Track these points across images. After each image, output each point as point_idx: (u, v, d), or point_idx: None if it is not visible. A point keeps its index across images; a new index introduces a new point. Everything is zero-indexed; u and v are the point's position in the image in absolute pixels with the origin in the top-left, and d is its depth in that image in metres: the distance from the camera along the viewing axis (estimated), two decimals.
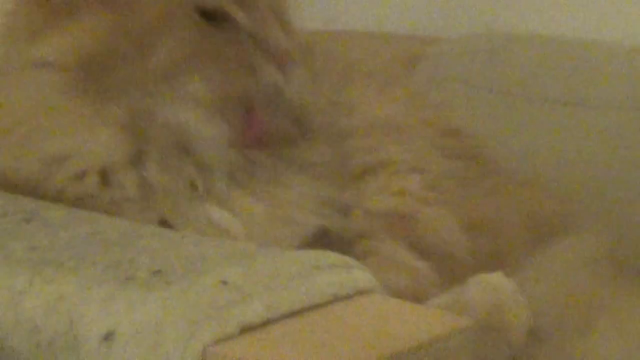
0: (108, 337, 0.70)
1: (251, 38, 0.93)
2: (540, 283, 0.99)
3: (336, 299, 0.72)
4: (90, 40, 0.89)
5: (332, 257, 0.75)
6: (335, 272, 0.73)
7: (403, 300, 0.75)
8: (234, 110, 0.92)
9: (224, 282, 0.70)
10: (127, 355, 0.68)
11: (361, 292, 0.73)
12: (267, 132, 0.94)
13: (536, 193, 1.10)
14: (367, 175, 1.01)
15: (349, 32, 1.12)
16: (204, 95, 0.91)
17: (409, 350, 0.66)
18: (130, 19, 0.90)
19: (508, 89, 1.28)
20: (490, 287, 0.89)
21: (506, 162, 1.13)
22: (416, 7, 1.49)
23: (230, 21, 0.92)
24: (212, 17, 0.92)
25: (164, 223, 0.89)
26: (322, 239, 0.94)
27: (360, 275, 0.74)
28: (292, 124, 0.96)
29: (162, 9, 0.90)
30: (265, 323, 0.68)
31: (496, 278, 0.89)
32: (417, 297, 0.92)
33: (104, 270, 0.74)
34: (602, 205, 1.13)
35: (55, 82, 0.89)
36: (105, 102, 0.90)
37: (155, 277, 0.72)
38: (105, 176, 0.91)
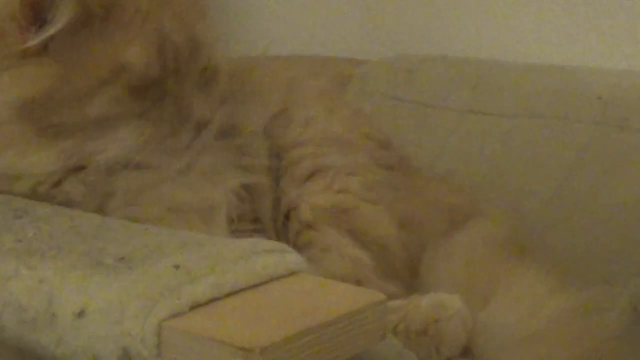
0: (80, 314, 0.69)
1: (176, 102, 0.92)
2: (449, 261, 0.99)
3: (272, 279, 0.71)
4: (35, 89, 0.87)
5: (269, 243, 0.75)
6: (271, 257, 0.73)
7: (326, 279, 0.75)
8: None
9: (176, 267, 0.70)
10: (96, 330, 0.68)
11: (293, 273, 0.73)
12: None
13: (448, 188, 1.10)
14: (314, 177, 1.00)
15: (290, 56, 1.11)
16: (131, 142, 0.90)
17: (330, 321, 0.66)
18: (74, 73, 0.87)
19: (423, 100, 1.29)
20: (440, 303, 0.90)
21: (423, 161, 1.13)
22: (346, 34, 1.49)
23: (162, 87, 0.91)
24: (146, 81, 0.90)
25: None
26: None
27: (292, 259, 0.73)
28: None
29: (103, 68, 0.88)
30: (212, 301, 0.68)
31: (449, 299, 0.91)
32: (359, 283, 0.92)
33: (78, 258, 0.74)
34: (500, 196, 1.13)
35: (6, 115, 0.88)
36: (44, 134, 0.88)
37: (120, 263, 0.72)
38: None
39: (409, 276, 0.98)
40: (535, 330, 0.92)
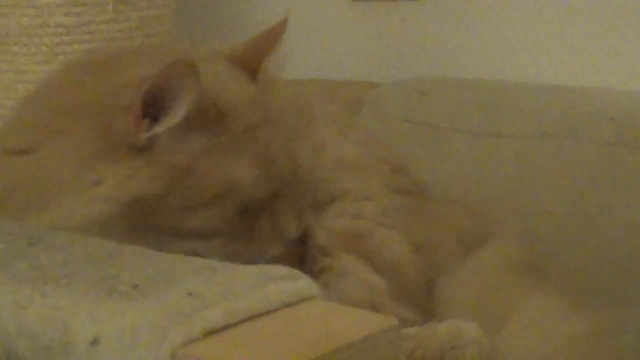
0: (94, 342, 0.69)
1: (272, 218, 0.93)
2: (463, 286, 0.98)
3: (284, 305, 0.71)
4: (148, 189, 0.87)
5: (282, 270, 0.74)
6: (284, 283, 0.73)
7: (338, 305, 0.74)
8: None
9: (190, 293, 0.70)
10: (110, 358, 0.68)
11: (305, 299, 0.73)
12: None
13: (462, 211, 1.09)
14: (330, 202, 1.00)
15: (305, 79, 1.11)
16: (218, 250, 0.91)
17: (342, 347, 0.66)
18: (187, 182, 0.88)
19: (436, 123, 1.29)
20: (457, 331, 0.89)
21: (436, 184, 1.13)
22: (359, 57, 1.49)
23: (259, 205, 0.93)
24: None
25: None
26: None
27: (304, 285, 0.73)
28: None
29: (215, 188, 0.89)
30: (225, 327, 0.68)
31: (465, 326, 0.90)
32: (374, 307, 0.91)
33: (92, 285, 0.74)
34: (513, 217, 1.13)
35: (103, 211, 0.88)
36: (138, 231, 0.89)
37: (134, 290, 0.72)
38: None
39: (424, 300, 0.97)
40: (549, 355, 0.91)
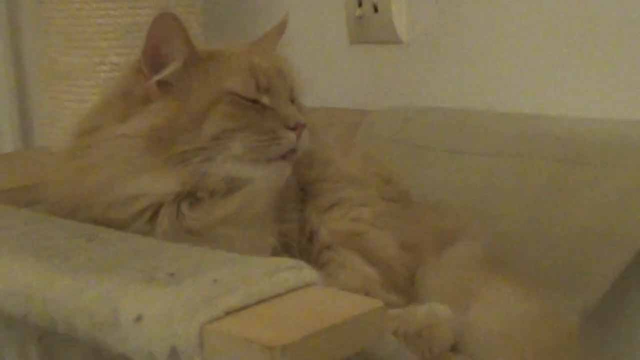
0: (138, 319, 0.70)
1: (273, 113, 0.94)
2: (439, 276, 0.99)
3: (291, 290, 0.72)
4: (158, 119, 0.90)
5: (289, 261, 0.75)
6: (291, 272, 0.73)
7: (335, 290, 0.75)
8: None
9: (215, 280, 0.70)
10: (151, 332, 0.68)
11: (308, 285, 0.73)
12: None
13: (438, 215, 1.10)
14: (333, 207, 1.00)
15: (310, 107, 1.12)
16: (242, 154, 0.91)
17: (337, 323, 0.67)
18: (188, 103, 0.91)
19: (417, 143, 1.30)
20: (432, 311, 0.90)
21: (417, 193, 1.14)
22: (354, 89, 1.50)
23: (260, 103, 0.93)
24: (247, 100, 0.93)
25: None
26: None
27: (307, 273, 0.74)
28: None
29: (211, 95, 0.91)
30: (243, 308, 0.69)
31: (439, 308, 0.91)
32: (367, 294, 0.92)
33: (137, 273, 0.74)
34: (480, 220, 1.14)
35: (133, 146, 0.90)
36: (168, 161, 0.90)
37: (170, 278, 0.72)
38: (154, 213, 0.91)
39: (407, 287, 0.98)
40: (508, 329, 0.92)
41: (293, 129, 0.93)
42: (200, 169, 0.90)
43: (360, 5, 1.46)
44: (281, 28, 1.04)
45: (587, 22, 1.25)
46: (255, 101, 0.93)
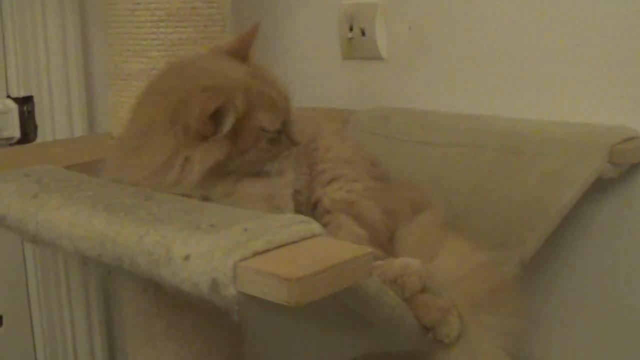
0: (186, 257, 0.71)
1: (287, 137, 0.95)
2: (410, 235, 1.00)
3: (302, 239, 0.73)
4: (220, 156, 0.89)
5: (302, 217, 0.76)
6: (303, 225, 0.74)
7: (335, 240, 0.76)
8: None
9: (245, 230, 0.71)
10: (196, 267, 0.70)
11: (315, 235, 0.74)
12: None
13: (410, 189, 1.10)
14: (332, 181, 1.01)
15: (309, 107, 1.12)
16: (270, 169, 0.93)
17: (337, 263, 0.68)
18: (237, 142, 0.89)
19: (392, 135, 1.30)
20: (405, 264, 0.90)
21: (392, 173, 1.13)
22: (345, 95, 1.50)
23: (279, 130, 0.94)
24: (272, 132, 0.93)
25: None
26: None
27: (315, 227, 0.75)
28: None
29: (252, 135, 0.90)
30: (266, 251, 0.70)
31: (412, 261, 0.91)
32: None
33: (184, 224, 0.75)
34: (439, 194, 1.14)
35: (199, 171, 0.89)
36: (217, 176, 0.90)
37: (211, 228, 0.73)
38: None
39: (388, 244, 0.99)
40: (462, 275, 0.93)
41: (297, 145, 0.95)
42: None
43: (351, 29, 1.47)
44: (253, 36, 0.99)
45: (531, 45, 1.25)
46: (277, 131, 0.93)
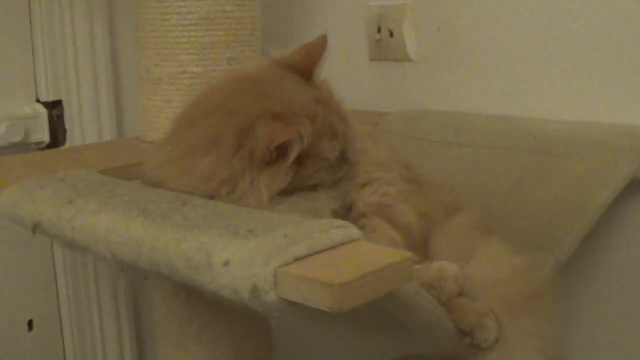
0: (226, 263, 0.70)
1: (347, 163, 0.96)
2: (445, 238, 0.99)
3: (342, 244, 0.72)
4: (283, 183, 0.89)
5: (340, 222, 0.75)
6: (341, 229, 0.74)
7: (374, 244, 0.75)
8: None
9: (285, 235, 0.71)
10: (236, 273, 0.69)
11: (354, 240, 0.73)
12: None
13: (443, 192, 1.08)
14: (367, 185, 0.99)
15: None
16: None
17: (378, 268, 0.67)
18: (300, 170, 0.90)
19: (423, 137, 1.29)
20: (442, 267, 0.89)
21: (427, 175, 1.12)
22: (376, 96, 1.50)
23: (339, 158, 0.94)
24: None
25: None
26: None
27: (354, 231, 0.74)
28: None
29: (316, 165, 0.91)
30: (307, 256, 0.69)
31: (448, 265, 0.90)
32: None
33: (223, 229, 0.75)
34: (472, 196, 1.13)
35: (264, 194, 0.89)
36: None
37: (250, 233, 0.73)
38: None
39: (422, 248, 0.97)
40: (499, 278, 0.92)
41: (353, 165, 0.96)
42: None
43: (379, 31, 1.46)
44: (321, 51, 0.97)
45: (561, 46, 1.24)
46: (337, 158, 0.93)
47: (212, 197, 0.89)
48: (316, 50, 0.97)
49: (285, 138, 0.85)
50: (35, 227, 0.92)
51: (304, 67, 0.96)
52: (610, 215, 1.11)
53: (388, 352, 1.28)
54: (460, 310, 0.87)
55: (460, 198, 1.08)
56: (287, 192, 0.90)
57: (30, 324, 1.64)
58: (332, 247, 0.71)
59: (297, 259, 0.68)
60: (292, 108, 0.89)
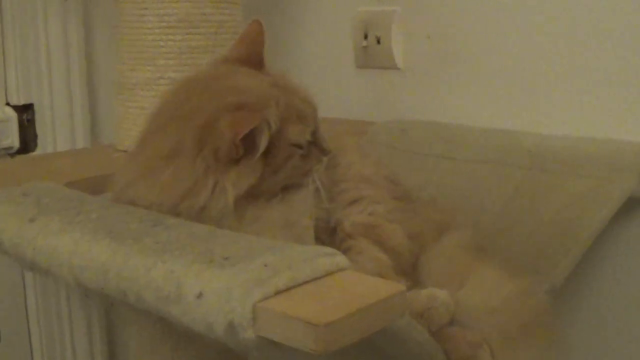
0: (199, 295, 0.63)
1: (317, 147, 0.88)
2: (436, 261, 0.92)
3: (327, 274, 0.66)
4: (253, 179, 0.82)
5: (326, 249, 0.69)
6: (327, 258, 0.67)
7: (364, 275, 0.69)
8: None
9: (265, 265, 0.64)
10: (210, 307, 0.62)
11: (341, 269, 0.67)
12: None
13: (434, 209, 1.02)
14: (353, 203, 0.93)
15: (327, 117, 1.05)
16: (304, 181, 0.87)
17: (369, 304, 0.61)
18: (268, 160, 0.82)
19: (412, 149, 1.23)
20: (432, 295, 0.83)
21: (414, 190, 1.06)
22: (362, 105, 1.44)
23: (310, 141, 0.88)
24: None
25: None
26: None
27: (341, 260, 0.68)
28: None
29: (283, 152, 0.84)
30: (288, 288, 0.62)
31: (439, 292, 0.83)
32: (381, 276, 0.85)
33: (196, 256, 0.68)
34: (464, 213, 1.06)
35: (232, 195, 0.81)
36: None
37: (226, 261, 0.66)
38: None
39: (411, 271, 0.91)
40: (494, 306, 0.86)
41: (327, 154, 0.89)
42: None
43: (365, 37, 1.40)
44: (260, 37, 0.91)
45: (554, 62, 1.18)
46: (307, 142, 0.87)
47: (177, 214, 0.81)
48: (256, 37, 0.91)
49: (251, 126, 0.78)
50: None
51: (251, 57, 0.90)
52: (603, 233, 1.06)
53: None
54: (452, 341, 0.81)
55: (451, 216, 1.02)
56: (256, 195, 0.82)
57: None
58: (317, 279, 0.64)
59: (278, 292, 0.61)
60: (252, 97, 0.82)
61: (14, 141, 1.49)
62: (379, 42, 1.37)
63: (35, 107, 1.51)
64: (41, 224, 0.80)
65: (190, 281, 0.64)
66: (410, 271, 0.90)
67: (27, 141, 1.51)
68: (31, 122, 1.51)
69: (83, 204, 0.85)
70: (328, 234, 0.90)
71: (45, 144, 1.52)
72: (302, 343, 0.57)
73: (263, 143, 0.80)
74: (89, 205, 0.83)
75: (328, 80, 1.46)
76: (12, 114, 1.48)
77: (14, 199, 0.88)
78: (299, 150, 0.85)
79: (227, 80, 0.87)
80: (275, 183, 0.84)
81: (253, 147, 0.80)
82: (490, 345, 0.82)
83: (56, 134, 1.53)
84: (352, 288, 0.64)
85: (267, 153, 0.82)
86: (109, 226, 0.77)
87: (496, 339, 0.82)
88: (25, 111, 1.50)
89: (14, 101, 1.50)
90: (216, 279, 0.63)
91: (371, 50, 1.39)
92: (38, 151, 1.51)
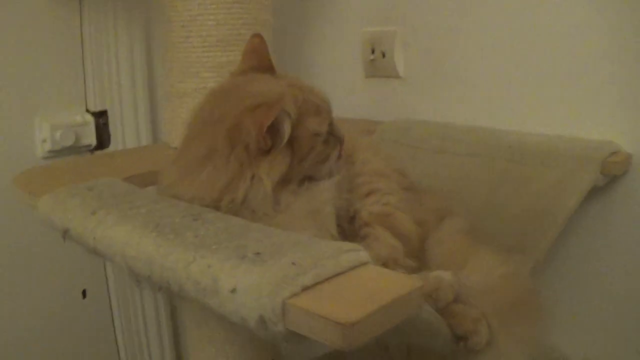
0: (233, 290, 0.51)
1: (334, 137, 0.75)
2: (439, 245, 0.79)
3: (351, 269, 0.53)
4: (283, 167, 0.69)
5: (349, 245, 0.56)
6: (351, 254, 0.54)
7: (386, 270, 0.55)
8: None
9: (293, 263, 0.51)
10: (243, 302, 0.50)
11: (364, 264, 0.54)
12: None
13: (435, 198, 0.89)
14: (369, 195, 0.80)
15: (341, 117, 0.92)
16: (328, 167, 0.74)
17: (391, 300, 0.48)
18: (294, 150, 0.70)
19: (414, 145, 1.10)
20: (438, 277, 0.70)
21: (417, 179, 0.93)
22: (371, 107, 1.30)
23: (329, 132, 0.75)
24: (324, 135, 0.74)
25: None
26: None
27: (363, 255, 0.55)
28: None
29: (308, 142, 0.71)
30: (315, 284, 0.50)
31: (444, 274, 0.70)
32: (394, 260, 0.73)
33: (230, 252, 0.55)
34: (456, 200, 0.93)
35: (267, 185, 0.69)
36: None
37: (257, 257, 0.53)
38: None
39: (420, 254, 0.78)
40: (490, 285, 0.73)
41: (342, 142, 0.75)
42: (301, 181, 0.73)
43: (372, 52, 1.26)
44: (262, 46, 0.79)
45: (529, 74, 1.05)
46: (326, 132, 0.74)
47: (217, 208, 0.69)
48: (259, 48, 0.79)
49: (272, 118, 0.66)
50: (65, 234, 0.73)
51: (262, 65, 0.78)
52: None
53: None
54: (457, 317, 0.68)
55: (447, 203, 0.89)
56: (287, 182, 0.70)
57: (84, 293, 1.47)
58: (342, 273, 0.51)
59: (305, 289, 0.48)
60: (268, 96, 0.70)
61: (92, 140, 1.43)
62: (384, 56, 1.24)
63: (109, 113, 1.45)
64: (100, 217, 0.68)
65: (225, 277, 0.52)
66: (418, 254, 0.77)
67: (102, 140, 1.45)
68: (105, 125, 1.45)
69: (136, 198, 0.72)
70: (348, 222, 0.77)
71: (117, 142, 1.45)
72: (330, 340, 0.44)
73: (287, 131, 0.68)
74: (140, 200, 0.71)
75: (342, 87, 1.33)
76: (91, 119, 1.43)
77: (81, 192, 0.76)
78: (319, 138, 0.73)
79: (245, 87, 0.75)
80: (303, 169, 0.72)
81: (278, 137, 0.68)
82: (487, 320, 0.69)
83: (125, 134, 1.45)
84: (374, 284, 0.51)
85: (293, 144, 0.70)
86: (156, 219, 0.64)
87: (491, 314, 0.70)
88: (100, 116, 1.44)
89: (92, 108, 1.43)
90: (248, 276, 0.50)
91: (377, 62, 1.26)
92: (111, 148, 1.43)
